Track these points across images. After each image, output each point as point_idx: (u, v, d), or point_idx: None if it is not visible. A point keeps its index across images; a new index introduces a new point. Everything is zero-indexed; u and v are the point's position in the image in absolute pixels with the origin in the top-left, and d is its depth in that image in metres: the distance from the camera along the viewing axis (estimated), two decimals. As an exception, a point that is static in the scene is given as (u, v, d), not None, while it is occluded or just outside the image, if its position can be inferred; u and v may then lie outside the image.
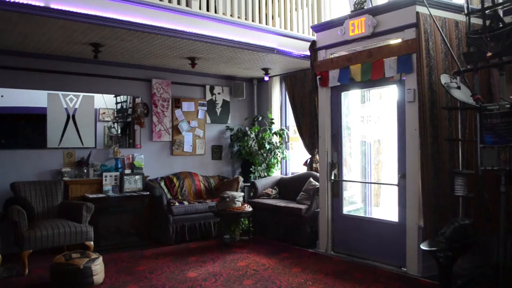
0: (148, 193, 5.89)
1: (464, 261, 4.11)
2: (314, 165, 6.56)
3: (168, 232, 5.78)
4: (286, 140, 7.37)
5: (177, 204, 5.93)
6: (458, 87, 3.87)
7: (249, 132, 7.19)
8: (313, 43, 5.47)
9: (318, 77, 5.30)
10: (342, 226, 5.17)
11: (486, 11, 3.63)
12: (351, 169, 5.72)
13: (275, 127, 7.34)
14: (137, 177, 6.05)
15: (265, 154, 7.06)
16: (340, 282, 4.17)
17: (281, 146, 7.23)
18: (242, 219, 5.74)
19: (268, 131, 7.19)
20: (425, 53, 4.17)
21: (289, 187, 6.61)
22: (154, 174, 6.51)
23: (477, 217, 4.12)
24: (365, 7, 4.90)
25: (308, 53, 5.58)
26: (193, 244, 5.84)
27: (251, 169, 7.03)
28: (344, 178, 5.29)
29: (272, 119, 7.32)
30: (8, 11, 3.82)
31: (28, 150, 5.58)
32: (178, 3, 4.82)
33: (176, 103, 6.88)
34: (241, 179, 6.77)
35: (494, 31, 3.52)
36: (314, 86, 5.49)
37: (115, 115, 6.39)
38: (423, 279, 4.18)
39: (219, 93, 7.44)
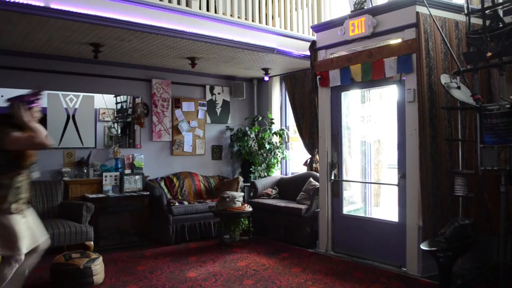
0: (148, 193, 5.89)
1: (464, 261, 4.12)
2: (314, 165, 6.56)
3: (168, 232, 5.78)
4: (286, 140, 7.37)
5: (177, 204, 5.92)
6: (458, 87, 3.87)
7: (249, 132, 7.19)
8: (313, 43, 5.47)
9: (318, 77, 5.30)
10: (342, 226, 5.17)
11: (486, 11, 3.62)
12: (351, 169, 5.72)
13: (275, 127, 7.34)
14: (137, 177, 6.05)
15: (265, 154, 7.06)
16: (340, 282, 4.17)
17: (281, 146, 7.23)
18: (242, 219, 5.74)
19: (268, 131, 7.19)
20: (425, 53, 4.17)
21: (289, 187, 6.60)
22: (154, 174, 6.51)
23: (477, 217, 4.12)
24: (365, 7, 4.90)
25: (308, 53, 5.58)
26: (193, 244, 5.84)
27: (251, 169, 7.03)
28: (344, 178, 5.29)
29: (272, 119, 7.32)
30: (8, 11, 3.81)
31: (28, 150, 5.57)
32: (178, 3, 4.82)
33: (176, 103, 6.88)
34: (241, 179, 6.77)
35: (494, 31, 3.51)
36: (314, 86, 5.49)
37: (115, 115, 6.39)
38: (423, 279, 4.18)
39: (219, 93, 7.44)
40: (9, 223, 3.12)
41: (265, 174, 7.12)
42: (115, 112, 6.40)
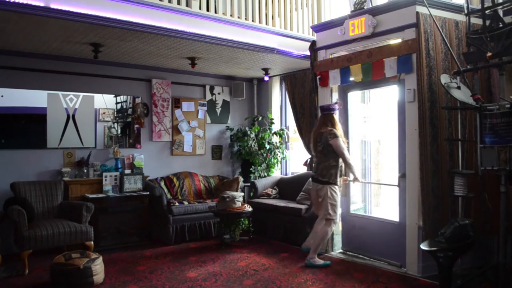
0: (148, 193, 5.89)
1: (464, 261, 4.11)
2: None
3: (168, 232, 5.78)
4: (286, 140, 7.37)
5: (177, 204, 5.92)
6: (458, 87, 3.87)
7: (249, 132, 7.19)
8: (313, 43, 5.47)
9: (318, 77, 5.30)
10: (342, 226, 5.16)
11: (486, 11, 3.63)
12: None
13: (275, 127, 7.34)
14: (137, 177, 6.05)
15: (265, 154, 7.06)
16: (340, 282, 4.17)
17: (281, 146, 7.23)
18: (242, 219, 5.74)
19: (268, 131, 7.19)
20: (425, 53, 4.17)
21: (289, 187, 6.60)
22: (154, 174, 6.50)
23: (477, 217, 4.12)
24: (365, 7, 4.90)
25: (308, 53, 5.58)
26: (193, 244, 5.83)
27: (251, 169, 7.03)
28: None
29: (272, 119, 7.32)
30: (8, 11, 3.81)
31: (28, 150, 5.58)
32: (178, 3, 4.82)
33: (176, 103, 6.88)
34: (241, 179, 6.76)
35: (494, 31, 3.52)
36: (314, 86, 5.49)
37: (115, 115, 6.39)
38: (423, 279, 4.18)
39: (219, 93, 7.44)
40: (336, 193, 4.57)
41: (265, 174, 7.12)
42: (115, 112, 6.39)
